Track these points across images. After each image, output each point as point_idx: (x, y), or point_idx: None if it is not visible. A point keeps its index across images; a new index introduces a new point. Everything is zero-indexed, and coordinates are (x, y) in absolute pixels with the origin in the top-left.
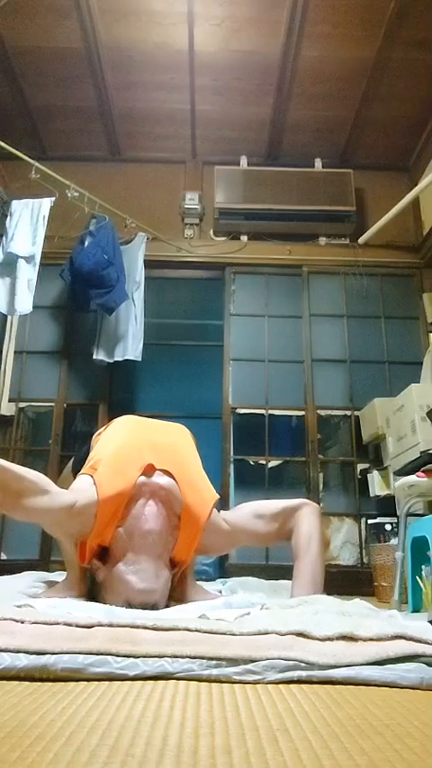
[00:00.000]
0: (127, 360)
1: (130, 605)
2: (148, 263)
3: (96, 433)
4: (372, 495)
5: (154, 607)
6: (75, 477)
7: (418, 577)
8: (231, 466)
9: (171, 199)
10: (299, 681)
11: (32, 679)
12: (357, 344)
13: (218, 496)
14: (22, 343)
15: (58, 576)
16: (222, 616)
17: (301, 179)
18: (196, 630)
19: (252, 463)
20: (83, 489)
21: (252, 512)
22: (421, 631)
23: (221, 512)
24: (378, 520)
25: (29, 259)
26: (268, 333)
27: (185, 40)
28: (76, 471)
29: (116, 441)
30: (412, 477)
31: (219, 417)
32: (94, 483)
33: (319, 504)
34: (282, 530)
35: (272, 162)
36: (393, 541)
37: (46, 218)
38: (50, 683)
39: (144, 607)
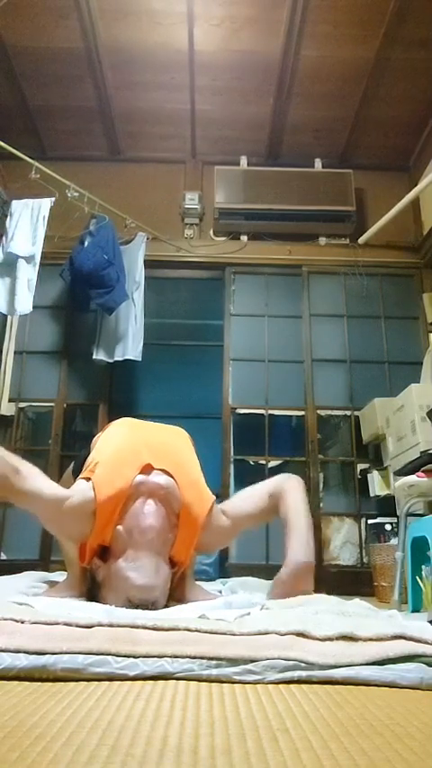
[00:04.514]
0: (127, 360)
1: (130, 602)
2: (148, 263)
3: (96, 436)
4: (372, 495)
5: (154, 605)
6: (75, 481)
7: (418, 577)
8: (231, 466)
9: (171, 199)
10: (299, 681)
11: (32, 679)
12: (357, 344)
13: (214, 498)
14: (22, 343)
15: (59, 576)
16: (222, 616)
17: (301, 179)
18: (196, 630)
19: (252, 463)
20: (80, 489)
21: (246, 495)
22: (421, 631)
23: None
24: (378, 520)
25: (29, 259)
26: (268, 333)
27: (185, 40)
28: (76, 474)
29: (114, 442)
30: (412, 477)
31: (219, 417)
32: (93, 486)
33: (319, 504)
34: (274, 503)
35: (272, 162)
36: (393, 541)
37: (46, 218)
38: (50, 683)
39: (144, 604)
